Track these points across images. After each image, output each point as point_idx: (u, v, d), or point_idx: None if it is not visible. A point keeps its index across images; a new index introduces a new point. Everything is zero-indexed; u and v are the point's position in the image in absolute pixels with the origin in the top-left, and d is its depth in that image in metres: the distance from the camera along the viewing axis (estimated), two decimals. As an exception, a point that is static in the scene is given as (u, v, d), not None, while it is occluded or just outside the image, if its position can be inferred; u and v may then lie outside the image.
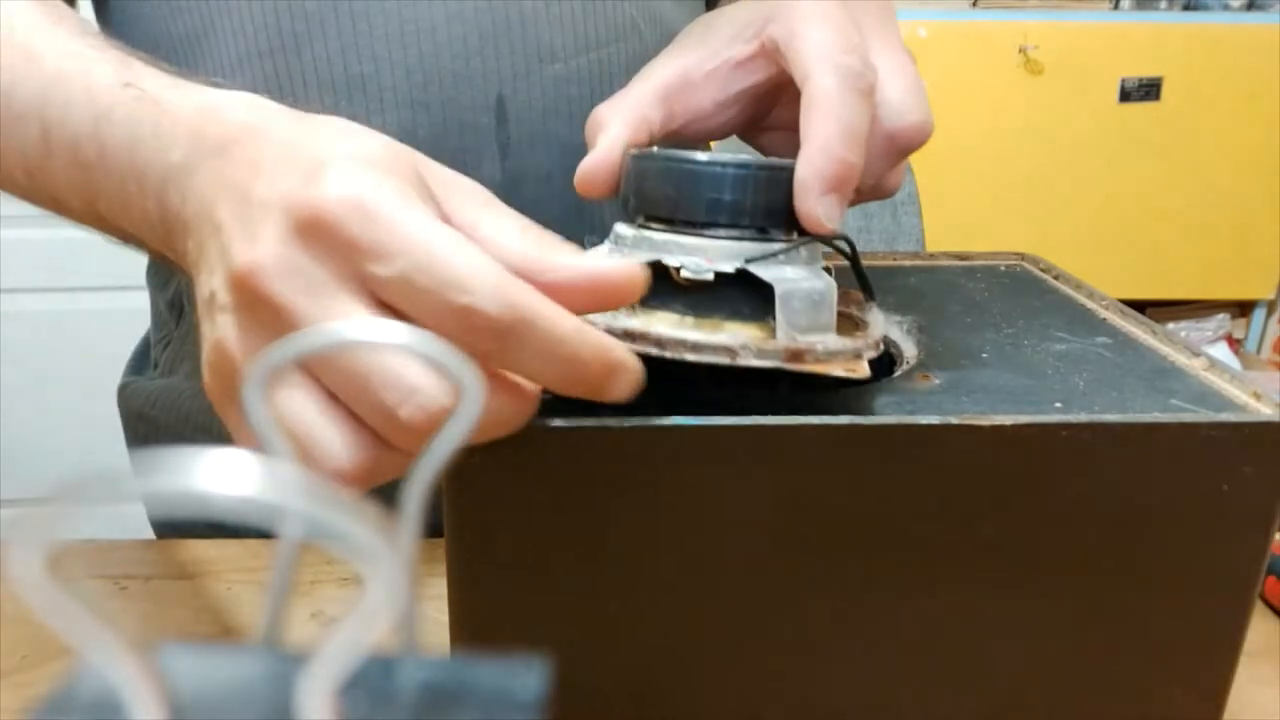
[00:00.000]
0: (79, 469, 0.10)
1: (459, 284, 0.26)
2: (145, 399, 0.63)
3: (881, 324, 0.36)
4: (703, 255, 0.33)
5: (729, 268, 0.32)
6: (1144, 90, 1.87)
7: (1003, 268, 0.49)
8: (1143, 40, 1.85)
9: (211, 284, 0.29)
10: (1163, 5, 1.92)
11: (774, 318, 0.32)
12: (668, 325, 0.33)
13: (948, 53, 1.80)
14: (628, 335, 0.31)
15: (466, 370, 0.14)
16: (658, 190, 0.34)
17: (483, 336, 0.26)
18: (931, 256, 0.51)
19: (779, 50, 0.37)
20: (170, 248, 0.34)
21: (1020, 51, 1.81)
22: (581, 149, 0.39)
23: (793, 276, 0.32)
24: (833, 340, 0.32)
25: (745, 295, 0.33)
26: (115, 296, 2.06)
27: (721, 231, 0.33)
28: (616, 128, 0.38)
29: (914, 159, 0.45)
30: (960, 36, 1.81)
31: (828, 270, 0.35)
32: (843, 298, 0.38)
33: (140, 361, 0.67)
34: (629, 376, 0.28)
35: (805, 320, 0.32)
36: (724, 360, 0.30)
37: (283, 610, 0.15)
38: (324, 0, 0.48)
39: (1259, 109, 1.86)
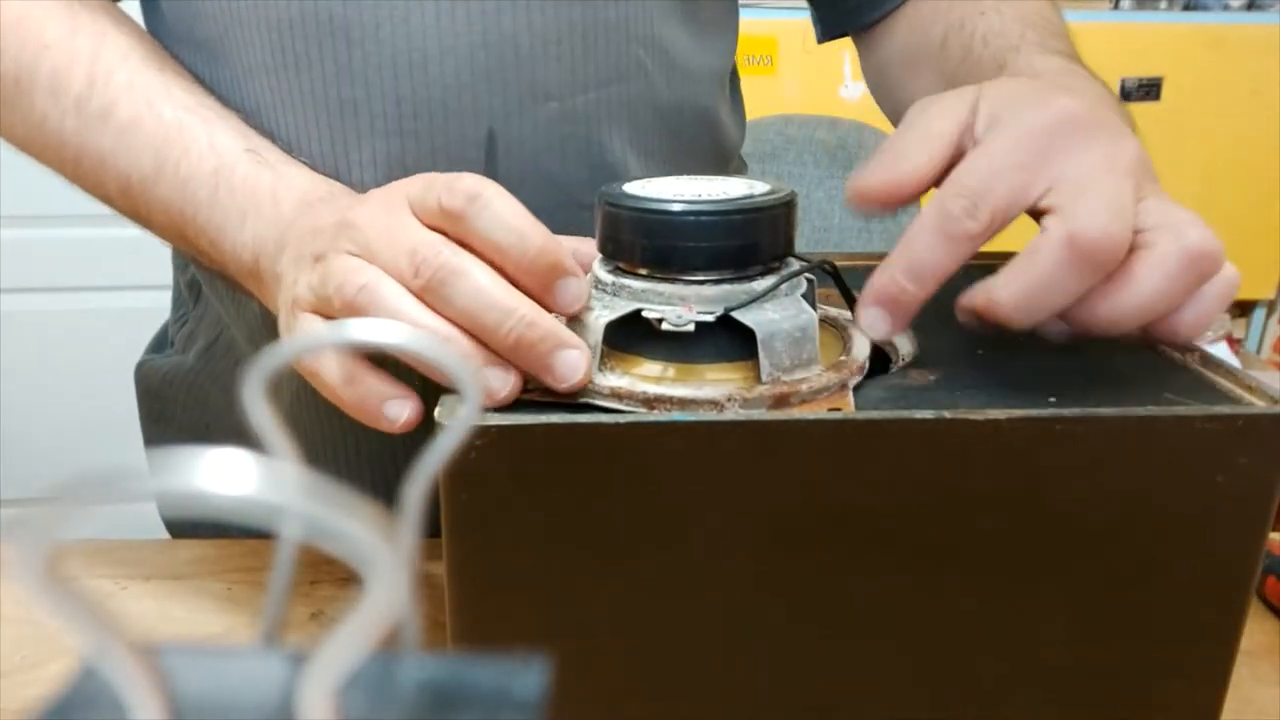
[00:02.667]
0: (79, 469, 0.11)
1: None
2: (160, 377, 0.66)
3: (864, 341, 0.36)
4: (681, 303, 0.33)
5: (710, 317, 0.33)
6: (1144, 90, 1.87)
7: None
8: (1143, 40, 1.85)
9: (299, 278, 0.37)
10: (1163, 5, 1.92)
11: (757, 358, 0.32)
12: (651, 379, 0.33)
13: (947, 52, 1.80)
14: (614, 394, 0.32)
15: (466, 370, 0.14)
16: (632, 238, 0.34)
17: (458, 198, 0.33)
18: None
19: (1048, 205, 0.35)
20: (255, 272, 0.42)
21: (1020, 51, 1.80)
22: (574, 188, 0.39)
23: (774, 317, 0.32)
24: (816, 377, 0.33)
25: (729, 338, 0.33)
26: (115, 297, 2.07)
27: (700, 275, 0.33)
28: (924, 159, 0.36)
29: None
30: (960, 36, 1.81)
31: (808, 294, 0.35)
32: (824, 300, 0.39)
33: (160, 341, 0.70)
34: (577, 286, 0.34)
35: (789, 359, 0.32)
36: (712, 415, 0.31)
37: (283, 610, 0.15)
38: (324, 25, 0.49)
39: (1259, 109, 1.86)
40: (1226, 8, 1.92)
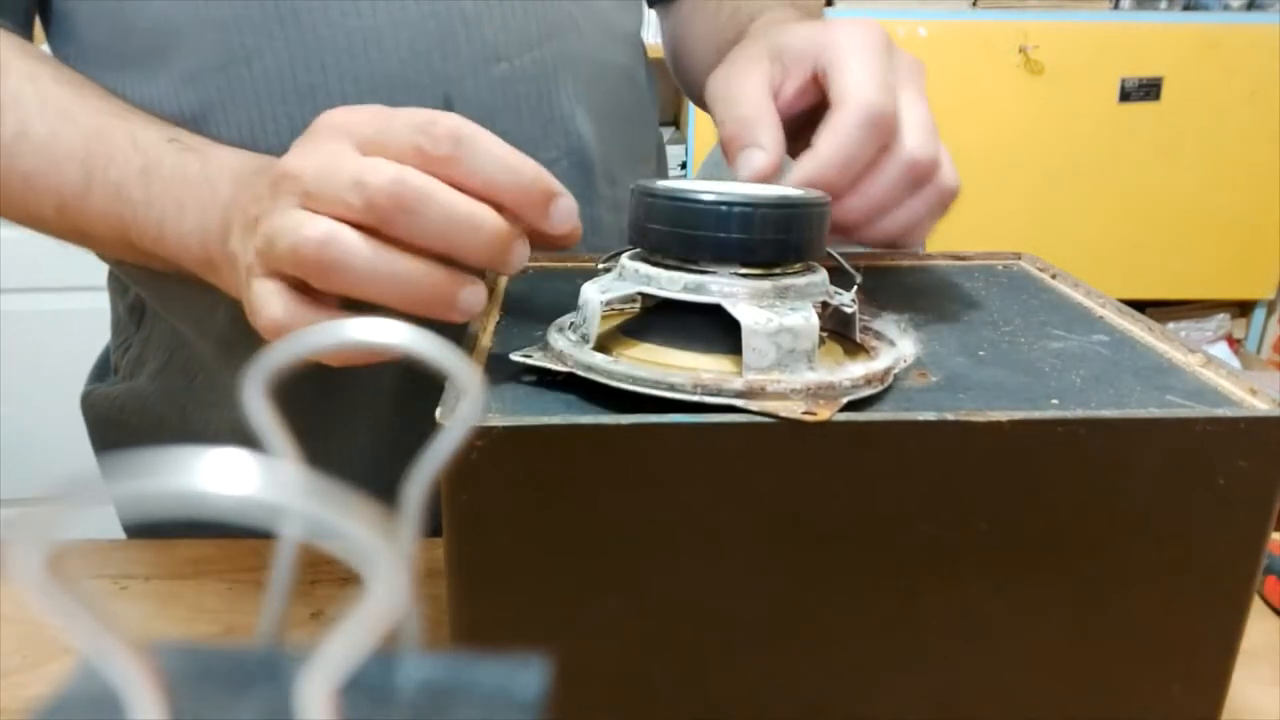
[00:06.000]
0: (79, 469, 0.11)
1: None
2: (111, 404, 0.64)
3: (892, 356, 0.35)
4: (688, 290, 0.33)
5: (679, 295, 0.33)
6: (1144, 90, 1.87)
7: (1000, 267, 0.49)
8: (1143, 40, 1.85)
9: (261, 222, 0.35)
10: (1163, 5, 1.92)
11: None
12: (637, 360, 0.33)
13: (948, 52, 1.80)
14: (589, 368, 0.32)
15: (465, 370, 0.14)
16: (662, 228, 0.34)
17: (443, 143, 0.33)
18: (929, 256, 0.51)
19: (825, 78, 0.41)
20: (206, 259, 0.41)
21: (1020, 51, 1.81)
22: (528, 145, 0.40)
23: (762, 317, 0.32)
24: (793, 378, 0.32)
25: (723, 330, 0.33)
26: (115, 297, 2.06)
27: (718, 267, 0.34)
28: (771, 138, 0.42)
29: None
30: (960, 36, 1.81)
31: (824, 305, 0.35)
32: (871, 315, 0.39)
33: (102, 370, 0.68)
34: (568, 203, 0.35)
35: (770, 359, 0.32)
36: (713, 417, 0.30)
37: (283, 610, 0.15)
38: (270, 14, 0.49)
39: (1259, 109, 1.86)
40: (1226, 8, 1.92)
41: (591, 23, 0.58)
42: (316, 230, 0.33)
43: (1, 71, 0.46)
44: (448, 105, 0.52)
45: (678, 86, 0.71)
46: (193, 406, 0.60)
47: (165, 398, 0.61)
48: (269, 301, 0.35)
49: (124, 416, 0.63)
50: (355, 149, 0.34)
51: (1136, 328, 0.40)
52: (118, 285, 0.66)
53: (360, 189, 0.32)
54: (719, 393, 0.31)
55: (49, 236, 0.48)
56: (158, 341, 0.62)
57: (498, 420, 0.30)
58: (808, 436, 0.30)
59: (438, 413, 0.31)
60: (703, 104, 0.50)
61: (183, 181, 0.42)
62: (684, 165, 1.88)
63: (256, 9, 0.49)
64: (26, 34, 0.53)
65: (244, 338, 0.44)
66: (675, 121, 2.07)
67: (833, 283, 0.36)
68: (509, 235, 0.34)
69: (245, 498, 0.10)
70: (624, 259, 0.36)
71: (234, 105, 0.50)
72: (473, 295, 0.34)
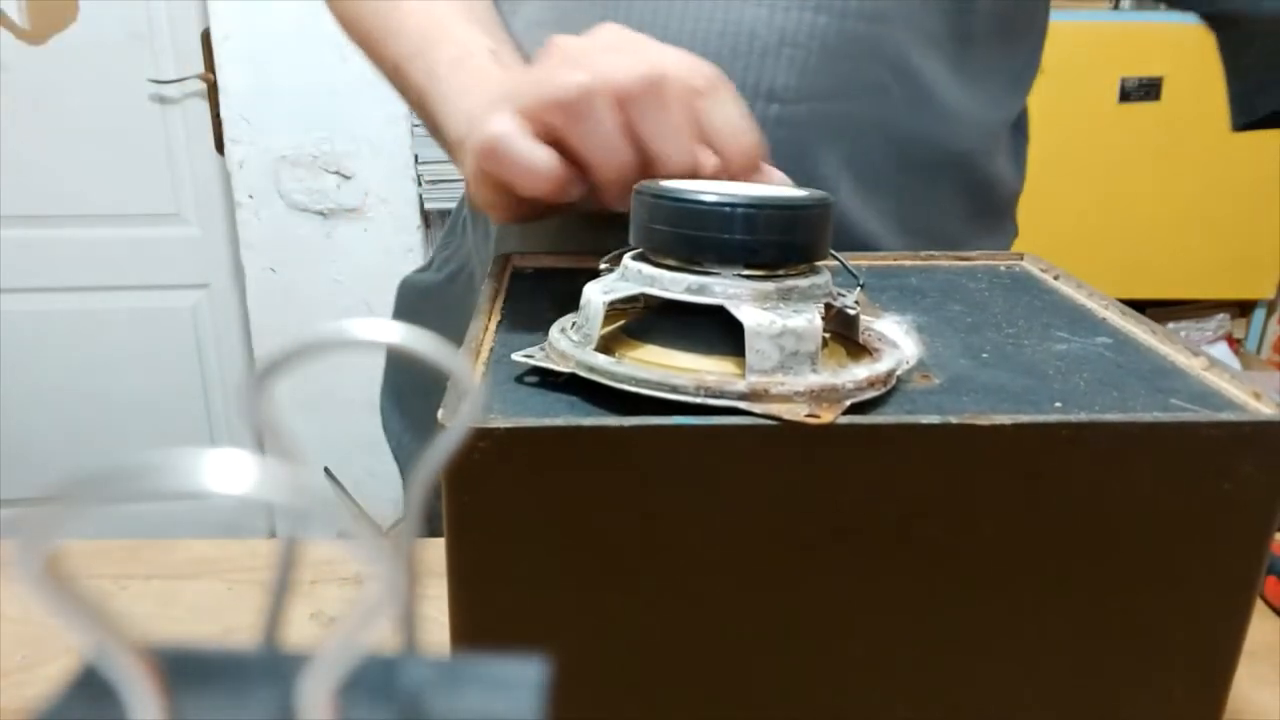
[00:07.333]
0: (79, 469, 0.10)
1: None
2: (416, 289, 0.76)
3: (895, 358, 0.35)
4: (691, 292, 0.33)
5: (697, 299, 0.33)
6: (1144, 90, 1.87)
7: (1003, 268, 0.49)
8: (1143, 40, 1.85)
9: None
10: (1163, 5, 1.92)
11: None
12: (641, 361, 0.33)
13: (948, 53, 1.80)
14: (591, 369, 0.32)
15: (465, 369, 0.14)
16: (665, 228, 0.34)
17: (705, 79, 0.40)
18: (932, 256, 0.51)
19: None
20: (460, 139, 0.46)
21: (1020, 51, 1.80)
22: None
23: (765, 319, 0.32)
24: (796, 380, 0.32)
25: (725, 332, 0.33)
26: (116, 297, 2.07)
27: (722, 269, 0.34)
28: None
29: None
30: (960, 36, 1.81)
31: (827, 306, 0.35)
32: (874, 317, 0.39)
33: (426, 264, 0.80)
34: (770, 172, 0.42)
35: (773, 361, 0.32)
36: (715, 419, 0.30)
37: (283, 610, 0.15)
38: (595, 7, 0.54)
39: (1259, 109, 1.86)
40: (1227, 8, 1.91)
41: (914, 98, 0.55)
42: (575, 79, 0.39)
43: None
44: None
45: None
46: (468, 308, 0.65)
47: (452, 297, 0.72)
48: (498, 119, 0.40)
49: (422, 303, 0.75)
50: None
51: (1139, 330, 0.40)
52: (464, 199, 0.76)
53: (625, 71, 0.39)
54: (722, 395, 0.31)
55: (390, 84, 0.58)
56: (464, 252, 0.71)
57: (499, 421, 0.30)
58: (811, 439, 0.30)
59: (438, 413, 0.31)
60: None
61: (481, 74, 0.48)
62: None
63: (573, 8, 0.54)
64: None
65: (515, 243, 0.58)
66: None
67: (836, 284, 0.36)
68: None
69: (245, 497, 0.10)
70: (626, 259, 0.36)
71: None
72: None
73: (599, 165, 0.40)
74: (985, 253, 0.51)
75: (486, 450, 0.29)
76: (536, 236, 0.57)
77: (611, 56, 0.39)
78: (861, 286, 0.38)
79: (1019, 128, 0.67)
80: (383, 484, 2.01)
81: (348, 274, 1.94)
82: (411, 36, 0.53)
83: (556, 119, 0.39)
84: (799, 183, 0.53)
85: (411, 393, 0.76)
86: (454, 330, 0.68)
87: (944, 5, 0.54)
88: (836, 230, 0.56)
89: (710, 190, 0.34)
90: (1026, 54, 0.64)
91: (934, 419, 0.30)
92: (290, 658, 0.14)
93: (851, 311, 0.36)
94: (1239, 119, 0.61)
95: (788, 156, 0.53)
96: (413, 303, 0.77)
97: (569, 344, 0.34)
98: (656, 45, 0.41)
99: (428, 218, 1.95)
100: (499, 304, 0.43)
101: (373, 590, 0.11)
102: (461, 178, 0.49)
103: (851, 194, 0.55)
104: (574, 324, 0.36)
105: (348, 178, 1.88)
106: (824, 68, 0.52)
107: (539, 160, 0.39)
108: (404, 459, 0.76)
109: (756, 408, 0.30)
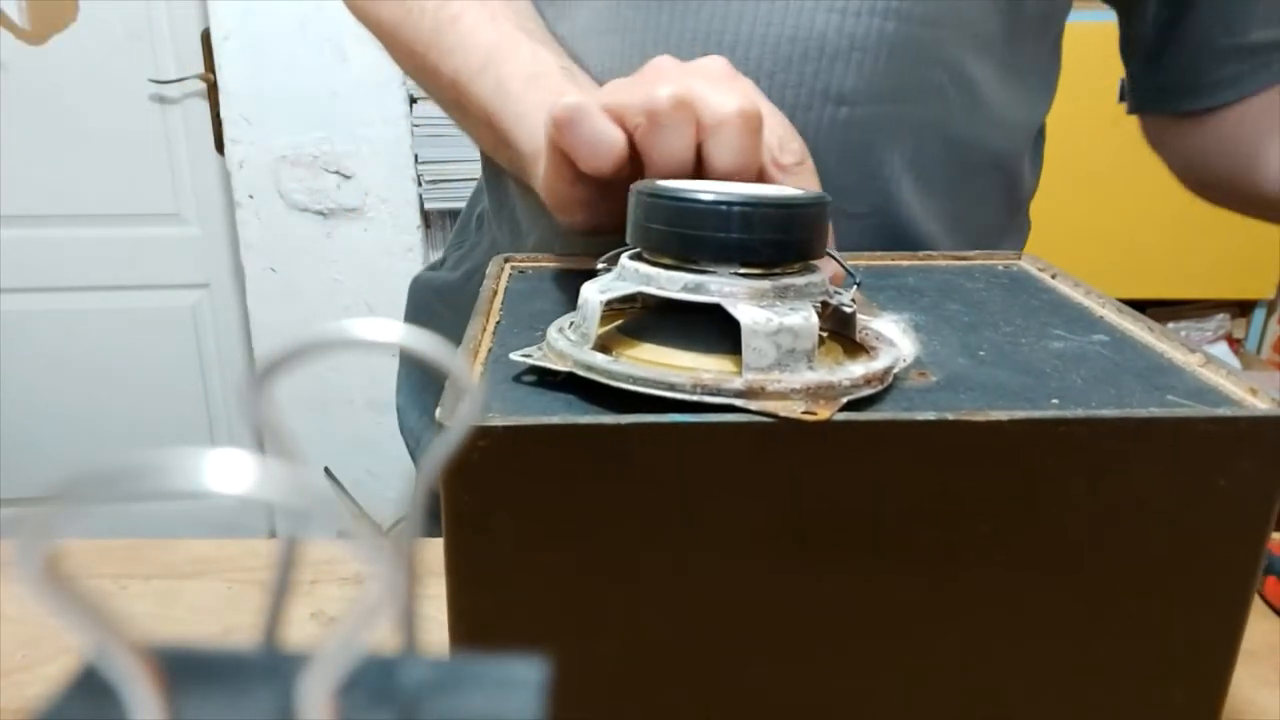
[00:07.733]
0: (79, 469, 0.11)
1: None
2: (432, 289, 0.76)
3: (892, 356, 0.35)
4: (687, 290, 0.33)
5: (694, 298, 0.33)
6: (1144, 90, 1.86)
7: (1001, 267, 0.49)
8: (1142, 40, 1.84)
9: None
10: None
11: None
12: (639, 360, 0.33)
13: (947, 52, 1.80)
14: (588, 367, 0.32)
15: (464, 368, 0.14)
16: (661, 227, 0.34)
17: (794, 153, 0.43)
18: (930, 256, 0.51)
19: None
20: (537, 155, 0.47)
21: (1020, 51, 1.80)
22: (839, 192, 0.43)
23: (761, 316, 0.32)
24: (793, 378, 0.32)
25: (722, 330, 0.33)
26: (116, 297, 2.07)
27: (720, 268, 0.34)
28: None
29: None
30: (960, 36, 1.81)
31: (824, 305, 0.35)
32: (871, 315, 0.39)
33: (438, 263, 0.80)
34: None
35: (770, 359, 0.32)
36: (714, 416, 0.30)
37: (283, 610, 0.15)
38: (649, 24, 0.54)
39: (1258, 108, 1.86)
40: (1227, 7, 1.91)
41: (967, 101, 0.56)
42: (671, 91, 0.39)
43: None
44: None
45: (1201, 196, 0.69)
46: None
47: (468, 296, 0.69)
48: (577, 95, 0.41)
49: (435, 302, 0.75)
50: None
51: (1137, 328, 0.40)
52: (476, 197, 0.77)
53: (721, 99, 0.39)
54: (719, 392, 0.31)
55: (435, 103, 0.58)
56: (483, 250, 0.71)
57: (498, 420, 0.30)
58: (808, 436, 0.30)
59: (438, 413, 0.31)
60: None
61: (557, 93, 0.47)
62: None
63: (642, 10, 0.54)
64: None
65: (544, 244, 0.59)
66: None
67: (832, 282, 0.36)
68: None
69: (245, 497, 0.10)
70: (624, 258, 0.36)
71: (598, 72, 0.54)
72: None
73: (660, 174, 0.40)
74: (983, 252, 0.51)
75: (485, 449, 0.29)
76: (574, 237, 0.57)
77: (711, 85, 0.40)
78: (858, 285, 0.38)
79: (1039, 136, 0.68)
80: (383, 484, 2.01)
81: (348, 274, 1.94)
82: (475, 52, 0.52)
83: (640, 120, 0.40)
84: (866, 181, 0.54)
85: (430, 389, 0.76)
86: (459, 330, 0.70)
87: (999, 5, 0.56)
88: (897, 231, 0.57)
89: (707, 189, 0.34)
90: (1057, 53, 0.65)
91: (930, 415, 0.30)
92: (290, 658, 0.14)
93: (848, 309, 0.36)
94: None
95: (854, 158, 0.54)
96: (427, 301, 0.76)
97: (567, 343, 0.34)
98: (758, 91, 0.41)
99: (428, 218, 1.95)
100: (497, 304, 0.43)
101: (373, 590, 0.11)
102: (467, 178, 0.51)
103: (912, 195, 0.56)
104: (572, 323, 0.36)
105: (348, 178, 1.88)
106: (888, 71, 0.53)
107: (609, 133, 0.40)
108: (421, 456, 0.77)
109: (753, 405, 0.31)
